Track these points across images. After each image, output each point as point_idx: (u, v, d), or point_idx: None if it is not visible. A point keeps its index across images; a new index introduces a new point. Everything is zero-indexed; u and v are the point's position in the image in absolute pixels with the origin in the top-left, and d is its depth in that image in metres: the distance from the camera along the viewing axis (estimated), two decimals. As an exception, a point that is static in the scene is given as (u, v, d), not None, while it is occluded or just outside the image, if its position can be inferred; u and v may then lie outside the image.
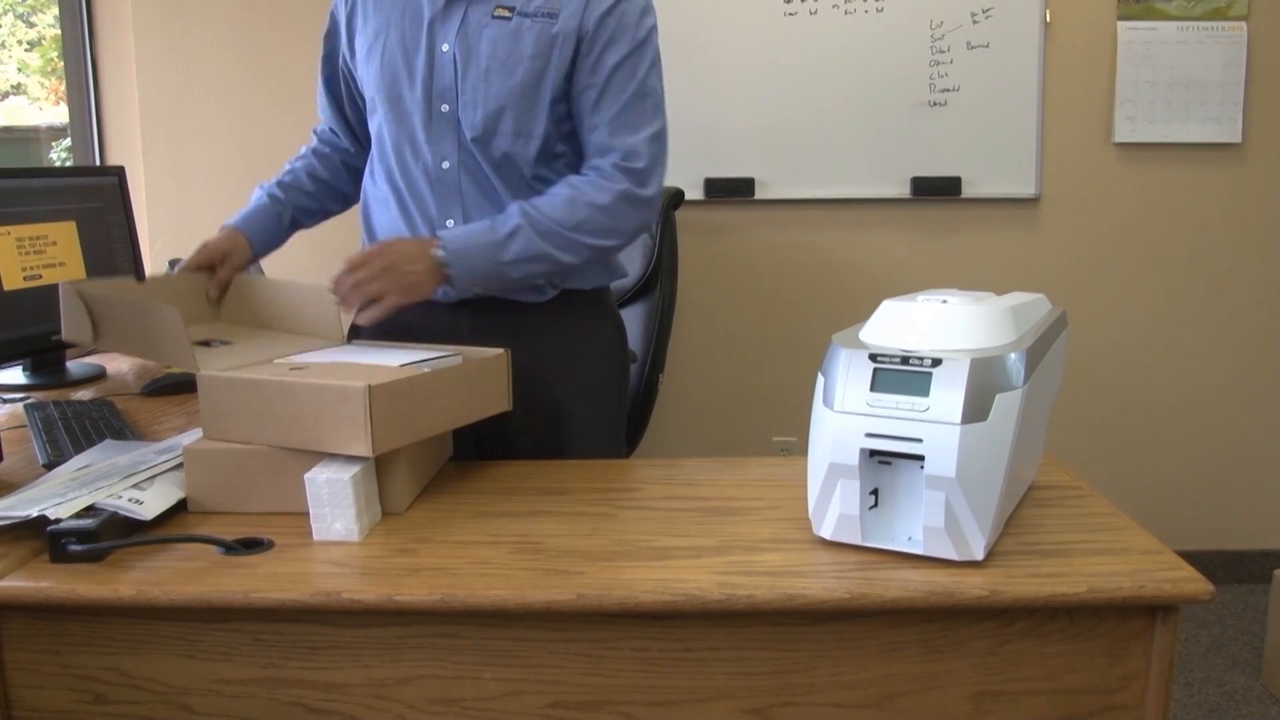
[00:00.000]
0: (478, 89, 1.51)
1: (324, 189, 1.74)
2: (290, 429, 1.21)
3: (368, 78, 1.58)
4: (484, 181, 1.54)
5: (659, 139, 1.58)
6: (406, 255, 1.43)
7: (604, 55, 1.52)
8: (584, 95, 1.53)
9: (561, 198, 1.50)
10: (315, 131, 1.78)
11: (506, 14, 1.51)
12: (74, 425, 1.54)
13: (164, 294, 1.51)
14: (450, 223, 1.56)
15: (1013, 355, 1.03)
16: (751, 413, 2.98)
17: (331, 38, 1.66)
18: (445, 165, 1.54)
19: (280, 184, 1.70)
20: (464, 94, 1.51)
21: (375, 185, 1.62)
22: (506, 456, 1.49)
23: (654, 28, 1.58)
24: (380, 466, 1.21)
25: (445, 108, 1.52)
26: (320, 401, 1.19)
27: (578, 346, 1.61)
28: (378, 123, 1.58)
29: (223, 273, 1.59)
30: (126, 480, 1.21)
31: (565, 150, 1.58)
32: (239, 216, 1.67)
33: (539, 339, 1.56)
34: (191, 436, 1.36)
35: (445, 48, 1.51)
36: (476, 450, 1.53)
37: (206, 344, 1.44)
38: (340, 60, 1.65)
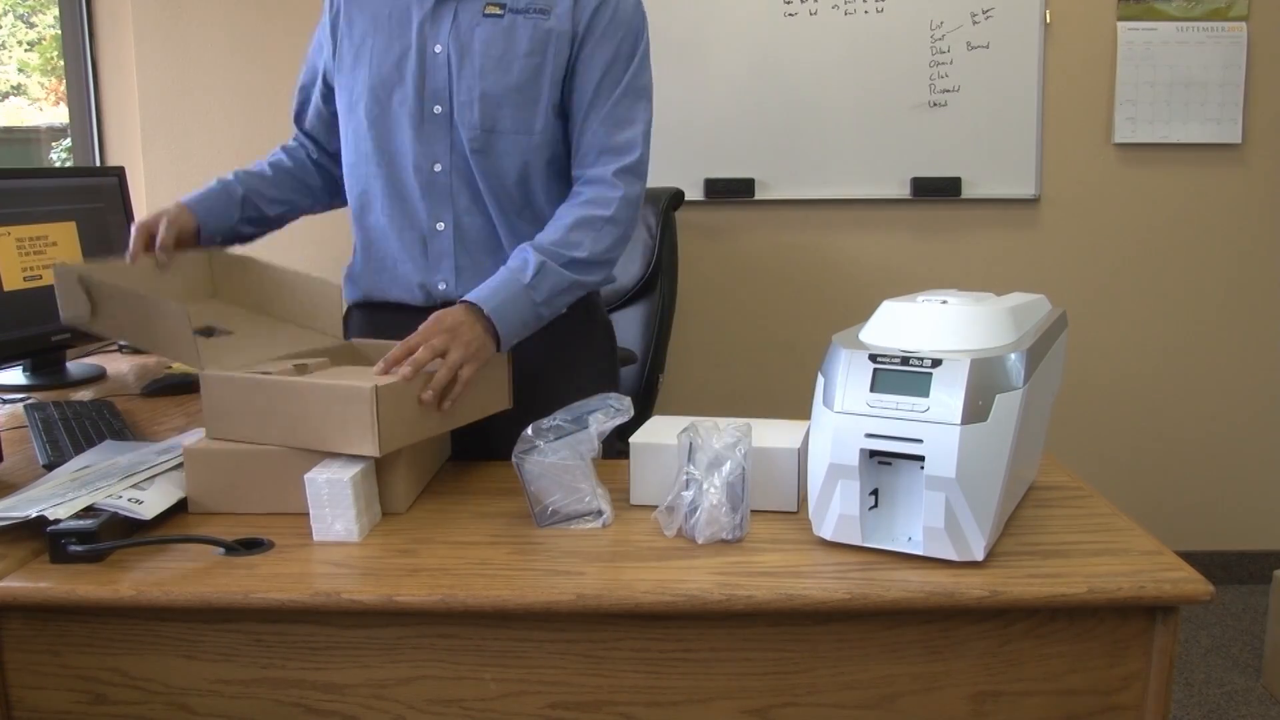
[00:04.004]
0: (473, 88, 1.50)
1: (286, 177, 1.69)
2: (295, 429, 1.21)
3: (352, 83, 1.56)
4: (474, 186, 1.54)
5: (649, 131, 1.57)
6: (460, 322, 1.35)
7: (596, 52, 1.52)
8: (578, 93, 1.53)
9: (567, 224, 1.48)
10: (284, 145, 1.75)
11: (498, 11, 1.50)
12: (74, 426, 1.54)
13: (158, 276, 1.48)
14: (440, 226, 1.54)
15: (1013, 356, 1.03)
16: (751, 413, 2.96)
17: (324, 28, 1.63)
18: (437, 169, 1.53)
19: (235, 172, 1.67)
20: (459, 94, 1.51)
21: (357, 191, 1.60)
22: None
23: (645, 24, 1.58)
24: (380, 466, 1.21)
25: (438, 109, 1.51)
26: (327, 402, 1.19)
27: (567, 352, 1.61)
28: (359, 128, 1.56)
29: (164, 236, 1.47)
30: (126, 480, 1.21)
31: (562, 154, 1.57)
32: (190, 198, 1.60)
33: (530, 346, 1.56)
34: (192, 436, 1.36)
35: (438, 49, 1.51)
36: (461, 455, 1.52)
37: (209, 332, 1.43)
38: (323, 68, 1.63)
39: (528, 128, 1.52)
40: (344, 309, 1.66)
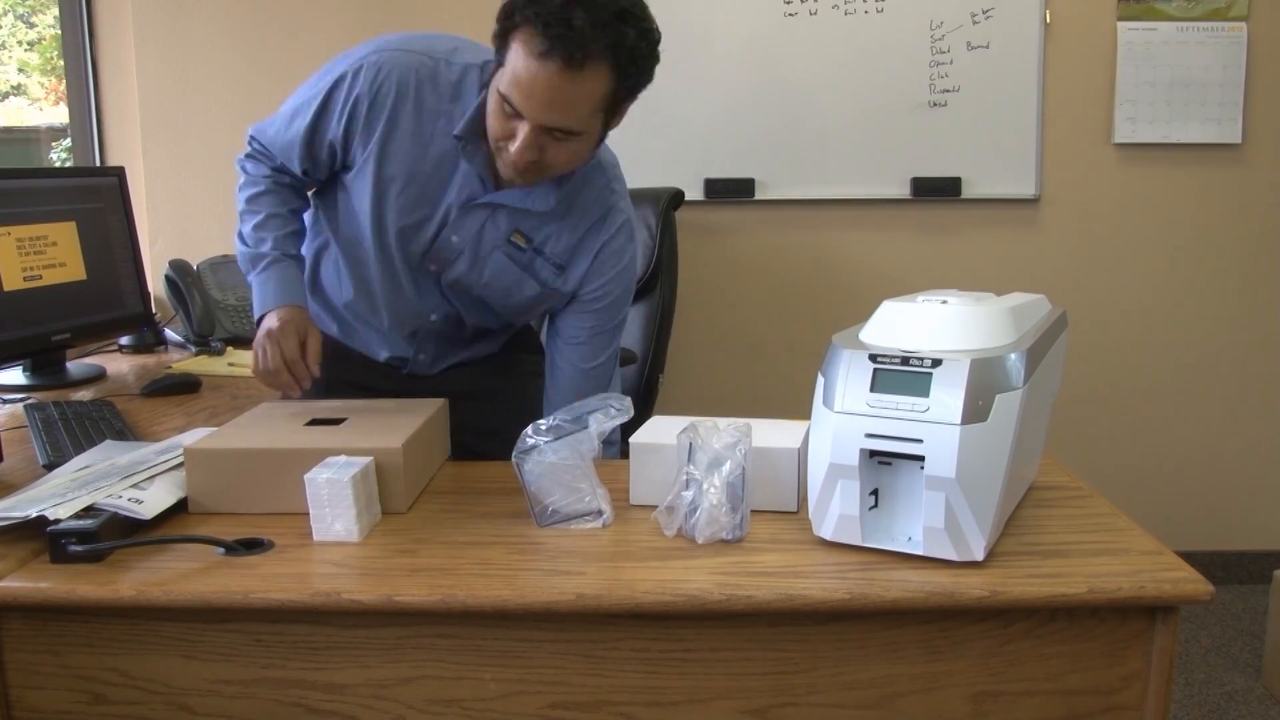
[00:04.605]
0: (484, 297, 1.55)
1: (298, 215, 1.61)
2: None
3: (372, 198, 1.48)
4: (466, 334, 1.63)
5: None
6: None
7: (602, 293, 1.55)
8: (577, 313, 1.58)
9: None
10: (268, 165, 1.56)
11: (523, 244, 1.49)
12: (74, 425, 1.54)
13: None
14: (422, 357, 1.63)
15: (1013, 356, 1.03)
16: (751, 413, 2.96)
17: (327, 118, 1.46)
18: (433, 318, 1.58)
19: (283, 238, 1.53)
20: (466, 290, 1.53)
21: (343, 275, 1.58)
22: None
23: (635, 258, 1.60)
24: (380, 467, 1.22)
25: (433, 267, 1.52)
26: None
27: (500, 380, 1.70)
28: (363, 237, 1.51)
29: (314, 343, 1.46)
30: (126, 480, 1.21)
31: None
32: (279, 290, 1.48)
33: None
34: (192, 436, 1.36)
35: (455, 239, 1.49)
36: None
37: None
38: (329, 139, 1.48)
39: (526, 314, 1.64)
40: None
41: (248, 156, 1.58)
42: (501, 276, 1.51)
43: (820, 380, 1.09)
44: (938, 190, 2.83)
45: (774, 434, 1.24)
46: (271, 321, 1.44)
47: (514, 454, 1.18)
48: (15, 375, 2.01)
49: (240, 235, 1.55)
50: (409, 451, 1.25)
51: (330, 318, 1.65)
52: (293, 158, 1.52)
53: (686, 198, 2.68)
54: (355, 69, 1.43)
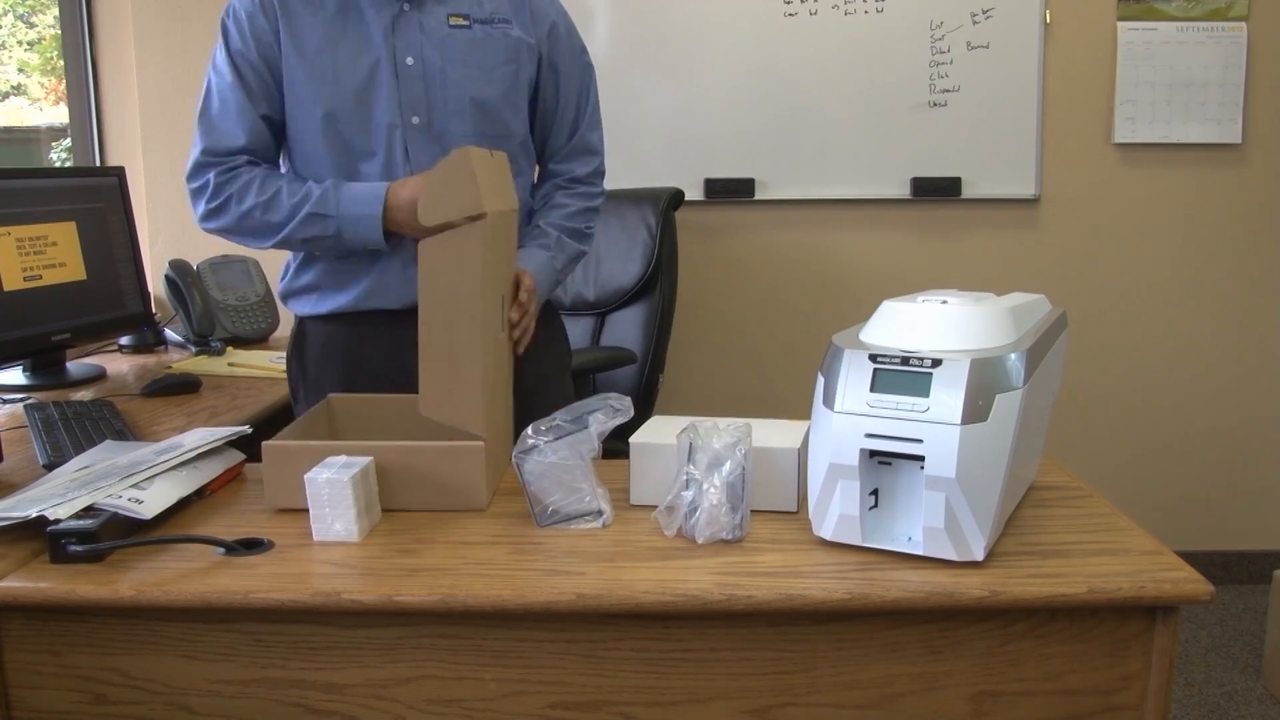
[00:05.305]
0: (461, 97, 1.53)
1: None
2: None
3: (313, 99, 1.50)
4: None
5: None
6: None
7: (572, 64, 1.64)
8: (560, 100, 1.64)
9: (572, 211, 1.67)
10: (223, 168, 1.52)
11: (464, 22, 1.54)
12: (74, 425, 1.54)
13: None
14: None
15: (1013, 356, 1.03)
16: (751, 413, 2.96)
17: (247, 50, 1.51)
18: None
19: (298, 179, 1.53)
20: (446, 104, 1.52)
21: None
22: None
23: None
24: (463, 460, 1.23)
25: (416, 119, 1.52)
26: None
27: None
28: (328, 142, 1.51)
29: None
30: (126, 480, 1.21)
31: (528, 147, 1.65)
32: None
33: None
34: (192, 436, 1.36)
35: (410, 60, 1.51)
36: None
37: None
38: (260, 71, 1.52)
39: (514, 131, 1.59)
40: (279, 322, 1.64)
41: (205, 199, 1.53)
42: (469, 58, 1.53)
43: (820, 380, 1.09)
44: (938, 190, 2.83)
45: (774, 434, 1.24)
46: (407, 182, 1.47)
47: (514, 454, 1.19)
48: (15, 375, 2.01)
49: (275, 228, 1.50)
50: (490, 447, 1.27)
51: (345, 277, 1.58)
52: (246, 114, 1.51)
53: (686, 198, 2.68)
54: (227, 6, 1.53)
